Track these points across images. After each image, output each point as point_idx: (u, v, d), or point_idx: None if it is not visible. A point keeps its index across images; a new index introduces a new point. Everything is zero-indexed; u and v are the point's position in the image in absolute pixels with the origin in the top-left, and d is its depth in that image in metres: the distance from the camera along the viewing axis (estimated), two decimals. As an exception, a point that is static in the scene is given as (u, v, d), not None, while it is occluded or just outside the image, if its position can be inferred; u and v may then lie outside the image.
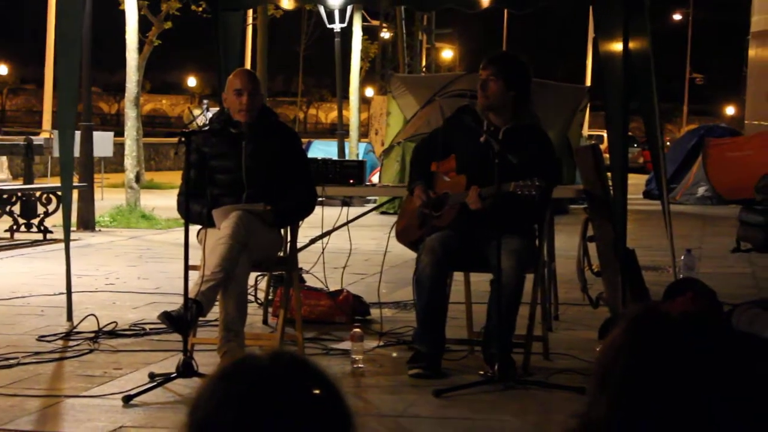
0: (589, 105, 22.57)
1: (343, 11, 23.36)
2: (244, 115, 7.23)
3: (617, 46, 7.54)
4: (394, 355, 7.67)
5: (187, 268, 6.84)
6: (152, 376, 6.70)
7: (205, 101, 20.48)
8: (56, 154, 15.45)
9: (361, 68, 28.86)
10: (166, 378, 6.59)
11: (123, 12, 18.48)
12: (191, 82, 74.96)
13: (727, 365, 1.97)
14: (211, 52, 10.21)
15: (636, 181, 26.54)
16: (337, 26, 23.82)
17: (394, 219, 8.04)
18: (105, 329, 8.18)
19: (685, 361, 1.95)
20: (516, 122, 7.11)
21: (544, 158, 7.09)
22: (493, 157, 6.73)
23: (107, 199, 20.08)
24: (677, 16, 67.52)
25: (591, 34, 39.22)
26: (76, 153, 14.53)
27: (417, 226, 7.31)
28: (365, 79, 33.18)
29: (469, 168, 7.14)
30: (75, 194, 14.39)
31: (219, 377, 2.01)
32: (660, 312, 2.01)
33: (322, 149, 25.28)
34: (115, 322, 8.40)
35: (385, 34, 38.82)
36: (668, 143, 34.30)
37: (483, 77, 7.11)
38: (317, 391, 1.96)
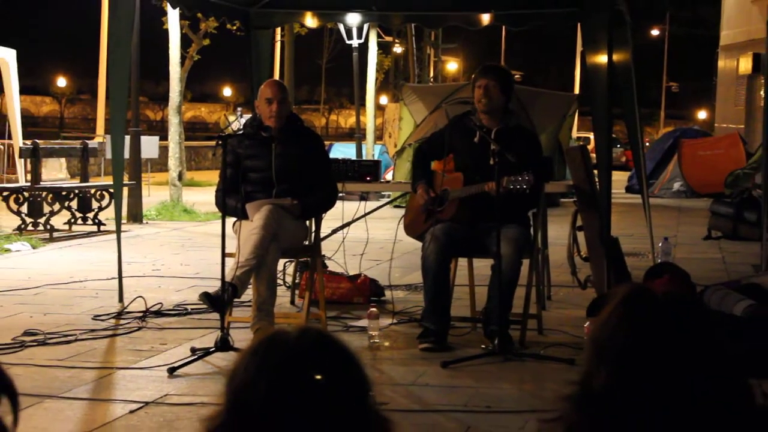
0: (577, 110, 22.48)
1: (360, 28, 23.30)
2: (274, 120, 7.23)
3: (602, 59, 7.51)
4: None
5: (224, 255, 6.85)
6: (193, 350, 6.71)
7: (239, 108, 20.40)
8: (109, 156, 15.47)
9: (376, 79, 28.80)
10: (206, 352, 6.60)
11: (167, 30, 18.47)
12: (227, 91, 74.95)
13: (704, 339, 1.99)
14: (244, 65, 10.22)
15: (619, 178, 26.39)
16: (355, 42, 23.79)
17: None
18: (152, 309, 8.21)
19: (672, 335, 1.97)
20: (505, 123, 7.11)
21: (533, 154, 7.09)
22: (487, 156, 6.74)
23: (153, 195, 20.09)
24: (655, 32, 67.34)
25: (579, 48, 39.09)
26: (126, 155, 14.57)
27: (422, 220, 7.31)
28: (380, 89, 33.10)
29: (465, 166, 7.14)
30: (125, 191, 14.38)
31: (253, 351, 2.01)
32: (649, 292, 2.03)
33: (342, 151, 25.28)
34: (160, 303, 8.42)
35: (398, 49, 38.73)
36: (647, 144, 34.16)
37: (484, 84, 7.09)
38: (339, 363, 1.96)
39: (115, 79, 8.81)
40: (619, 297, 2.05)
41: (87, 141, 18.48)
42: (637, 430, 1.94)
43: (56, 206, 14.52)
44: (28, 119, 18.43)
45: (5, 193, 14.63)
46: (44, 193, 14.54)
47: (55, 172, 21.89)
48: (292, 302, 8.69)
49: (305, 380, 1.94)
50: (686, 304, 2.03)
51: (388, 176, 18.67)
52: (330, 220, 8.41)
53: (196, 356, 6.56)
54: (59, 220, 14.56)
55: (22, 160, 16.33)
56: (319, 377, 1.95)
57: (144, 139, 17.50)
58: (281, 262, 7.92)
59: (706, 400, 1.94)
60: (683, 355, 1.96)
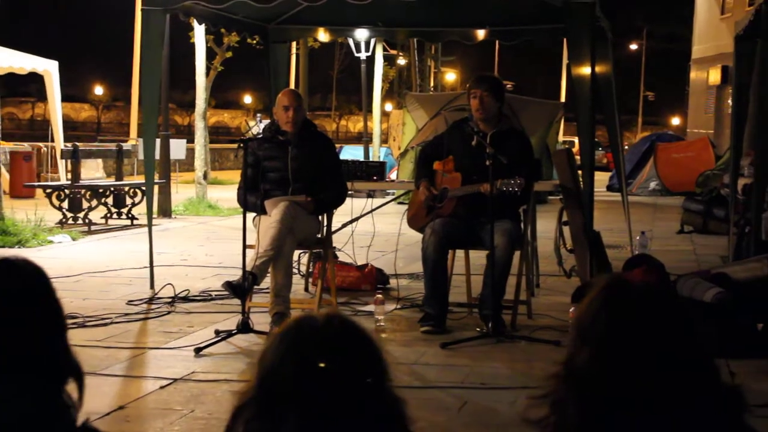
0: (563, 117, 22.47)
1: (367, 43, 23.26)
2: (290, 126, 7.23)
3: (586, 70, 7.50)
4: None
5: (245, 246, 6.86)
6: (217, 332, 6.71)
7: (259, 114, 20.37)
8: (141, 157, 15.46)
9: (382, 88, 28.75)
10: (229, 334, 6.60)
11: (193, 44, 18.47)
12: (247, 99, 74.82)
13: (675, 322, 2.00)
14: (263, 75, 10.22)
15: (601, 178, 26.34)
16: (363, 55, 23.74)
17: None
18: (180, 295, 8.21)
19: (646, 319, 1.98)
20: (499, 128, 7.11)
21: (525, 155, 7.09)
22: (483, 158, 6.74)
23: (181, 192, 20.09)
24: (633, 46, 67.23)
25: (565, 61, 39.02)
26: (157, 156, 14.56)
27: (424, 214, 7.31)
28: (385, 97, 33.04)
29: (463, 166, 7.14)
30: (156, 189, 14.39)
31: (282, 334, 2.02)
32: (626, 281, 2.06)
33: (351, 153, 25.23)
34: (187, 289, 8.42)
35: (401, 61, 38.60)
36: (626, 147, 34.11)
37: (479, 94, 7.09)
38: (360, 347, 1.98)
39: (146, 88, 8.82)
40: (600, 286, 2.07)
41: (121, 143, 18.55)
42: (617, 403, 1.95)
43: (94, 202, 14.54)
44: (68, 124, 18.42)
45: (48, 190, 14.68)
46: (83, 191, 14.56)
47: (93, 172, 21.88)
48: (306, 289, 8.70)
49: (329, 361, 1.95)
50: (659, 292, 2.05)
51: (393, 176, 18.65)
52: (340, 215, 8.42)
53: (219, 338, 6.56)
54: (96, 215, 14.57)
55: (64, 160, 16.37)
56: (343, 357, 1.96)
57: (173, 142, 17.50)
58: (296, 253, 7.91)
59: (678, 377, 1.95)
60: (657, 337, 1.98)
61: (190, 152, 21.72)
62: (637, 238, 9.71)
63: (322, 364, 1.92)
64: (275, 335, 2.02)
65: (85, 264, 10.30)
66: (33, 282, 2.05)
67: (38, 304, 2.03)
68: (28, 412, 1.92)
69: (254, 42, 16.19)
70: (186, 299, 8.17)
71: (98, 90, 78.80)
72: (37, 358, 1.98)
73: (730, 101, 17.30)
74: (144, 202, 11.34)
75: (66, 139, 17.13)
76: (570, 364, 2.02)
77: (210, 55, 19.61)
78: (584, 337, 2.01)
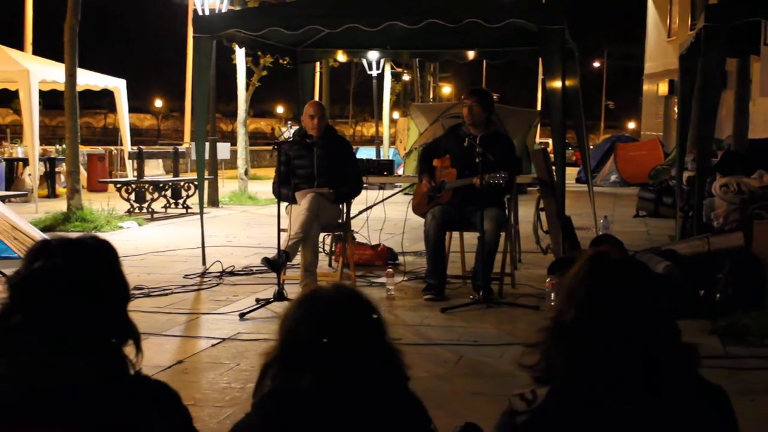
0: (539, 122, 22.40)
1: (378, 62, 23.25)
2: (315, 131, 7.22)
3: (558, 84, 7.47)
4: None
5: (279, 230, 6.87)
6: (258, 300, 6.72)
7: (289, 122, 20.34)
8: (193, 157, 15.45)
9: (390, 99, 28.67)
10: (266, 302, 6.61)
11: (235, 64, 18.44)
12: (280, 109, 74.71)
13: (644, 287, 2.04)
14: (293, 89, 10.20)
15: (570, 172, 26.26)
16: (374, 72, 23.72)
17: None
18: (226, 270, 8.22)
19: (621, 284, 2.01)
20: (487, 131, 7.09)
21: (508, 154, 7.07)
22: (474, 156, 6.73)
23: (226, 186, 20.06)
24: (596, 64, 67.03)
25: (540, 76, 38.91)
26: (206, 156, 14.56)
27: (426, 203, 7.29)
28: (393, 107, 32.91)
29: (457, 164, 7.12)
30: (205, 183, 14.42)
31: (299, 302, 2.04)
32: (607, 254, 2.08)
33: (365, 153, 25.22)
34: (233, 265, 8.43)
35: (406, 77, 38.52)
36: (591, 147, 34.03)
37: (469, 104, 7.08)
38: (363, 311, 2.00)
39: (197, 100, 8.81)
40: (585, 257, 2.09)
41: (177, 146, 18.54)
42: (597, 351, 1.95)
43: (155, 195, 14.55)
44: (134, 131, 18.46)
45: (118, 185, 14.75)
46: (146, 185, 14.58)
47: (155, 170, 21.89)
48: (330, 265, 8.70)
49: (339, 323, 1.96)
50: (632, 263, 2.08)
51: (400, 171, 18.63)
52: (357, 204, 8.40)
53: (259, 305, 6.57)
54: (158, 205, 14.59)
55: (131, 161, 16.37)
56: (350, 320, 1.98)
57: (219, 145, 17.47)
58: (321, 235, 7.91)
59: (646, 333, 1.97)
60: (629, 299, 1.99)
61: (233, 153, 21.71)
62: (601, 221, 9.68)
63: (332, 321, 1.93)
64: (293, 303, 2.03)
65: (149, 245, 10.32)
66: (101, 254, 2.05)
67: (106, 273, 2.04)
68: (95, 365, 1.94)
69: (285, 62, 16.15)
70: (232, 273, 8.17)
71: (158, 103, 78.78)
72: (104, 321, 1.99)
73: (676, 109, 17.26)
74: (196, 195, 11.35)
75: (132, 144, 17.11)
76: (558, 319, 2.04)
77: (249, 73, 19.58)
78: (571, 297, 2.03)
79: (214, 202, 16.26)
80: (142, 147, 16.62)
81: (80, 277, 1.97)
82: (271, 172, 19.52)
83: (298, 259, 7.09)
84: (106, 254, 2.05)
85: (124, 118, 17.08)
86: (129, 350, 2.00)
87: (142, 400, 1.96)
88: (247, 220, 14.06)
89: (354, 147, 12.02)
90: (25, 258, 2.02)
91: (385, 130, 27.36)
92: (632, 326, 1.96)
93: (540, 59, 9.53)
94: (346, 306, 1.99)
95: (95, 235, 2.09)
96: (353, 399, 1.91)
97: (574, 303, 2.01)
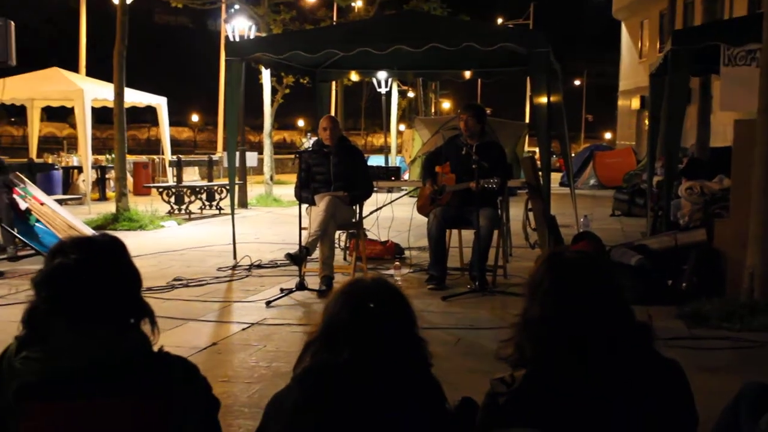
0: (528, 133, 22.37)
1: (386, 81, 23.20)
2: (329, 141, 7.22)
3: (543, 100, 7.46)
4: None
5: (301, 228, 6.86)
6: (282, 290, 6.73)
7: (309, 133, 20.43)
8: (225, 165, 15.46)
9: (397, 113, 28.69)
10: (289, 291, 6.62)
11: (262, 83, 18.46)
12: (300, 122, 74.72)
13: (601, 279, 2.02)
14: (312, 105, 10.22)
15: (555, 177, 26.31)
16: (383, 90, 23.65)
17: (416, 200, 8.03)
18: (254, 264, 8.22)
19: (578, 278, 2.00)
20: (481, 141, 7.08)
21: (500, 161, 7.07)
22: (470, 163, 6.73)
23: (254, 190, 20.04)
24: (577, 82, 66.95)
25: (528, 93, 38.82)
26: (237, 164, 14.58)
27: (429, 204, 7.29)
28: (399, 120, 32.89)
29: (456, 170, 7.12)
30: (236, 188, 14.44)
31: (341, 291, 2.05)
32: (563, 252, 2.09)
33: (375, 160, 25.02)
34: (260, 259, 8.45)
35: (411, 94, 38.49)
36: (573, 155, 33.95)
37: (465, 118, 7.08)
38: (397, 301, 2.06)
39: (229, 115, 8.83)
40: (543, 257, 2.10)
41: (211, 155, 18.56)
42: (561, 342, 1.95)
43: (192, 198, 14.59)
44: (173, 142, 18.45)
45: (160, 190, 14.74)
46: (185, 189, 14.60)
47: (192, 176, 21.90)
48: (345, 259, 8.69)
49: (375, 311, 1.97)
50: (586, 258, 2.07)
51: (406, 177, 18.62)
52: (368, 205, 8.41)
53: (283, 294, 6.58)
54: (194, 207, 14.63)
55: (171, 168, 16.40)
56: (385, 306, 2.00)
57: (248, 154, 17.46)
58: (337, 232, 7.92)
59: (602, 318, 1.96)
60: (585, 290, 1.99)
61: (260, 161, 21.72)
62: (582, 219, 9.66)
63: (371, 305, 1.96)
64: (337, 291, 2.05)
65: (187, 241, 10.34)
66: (111, 248, 2.07)
67: (116, 264, 2.05)
68: (117, 345, 1.95)
69: (305, 81, 16.18)
70: (259, 266, 8.18)
71: (194, 117, 78.86)
72: (119, 304, 2.01)
73: (646, 121, 17.22)
74: (228, 198, 11.36)
75: (172, 153, 17.14)
76: (525, 315, 2.03)
77: (273, 91, 19.57)
78: (534, 294, 2.03)
79: (243, 204, 16.27)
80: (180, 156, 16.66)
81: (93, 268, 1.98)
82: (293, 177, 19.52)
83: (317, 253, 7.09)
84: (115, 248, 2.07)
85: (165, 131, 17.10)
86: (147, 329, 2.01)
87: (162, 373, 1.96)
88: (272, 219, 14.07)
89: (365, 155, 12.03)
90: (46, 258, 2.05)
91: (393, 140, 27.35)
92: (590, 313, 1.96)
93: (528, 78, 9.53)
94: (382, 296, 2.02)
95: (105, 233, 2.13)
96: (383, 376, 1.92)
97: (538, 299, 2.01)
